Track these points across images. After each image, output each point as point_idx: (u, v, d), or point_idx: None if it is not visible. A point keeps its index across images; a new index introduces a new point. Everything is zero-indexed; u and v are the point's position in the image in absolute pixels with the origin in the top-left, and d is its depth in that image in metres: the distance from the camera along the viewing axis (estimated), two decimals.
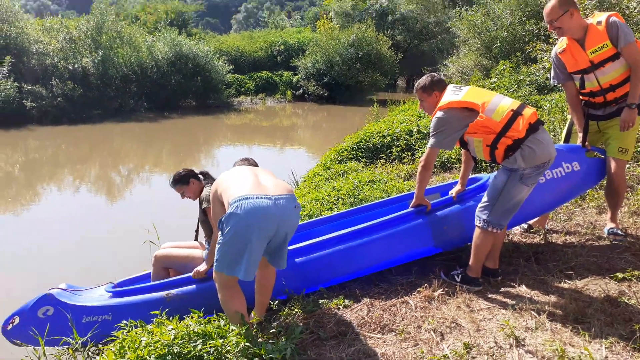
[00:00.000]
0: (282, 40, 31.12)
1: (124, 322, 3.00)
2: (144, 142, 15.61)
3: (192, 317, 2.74)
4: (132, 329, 2.84)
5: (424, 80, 3.18)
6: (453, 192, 3.48)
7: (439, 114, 2.98)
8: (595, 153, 3.52)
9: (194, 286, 3.22)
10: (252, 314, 2.88)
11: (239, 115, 21.77)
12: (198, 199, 3.68)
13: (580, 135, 3.53)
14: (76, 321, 3.22)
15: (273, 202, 2.54)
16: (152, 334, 2.58)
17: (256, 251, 2.52)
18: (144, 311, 3.08)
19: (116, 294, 3.39)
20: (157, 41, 22.30)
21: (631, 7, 8.12)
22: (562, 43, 3.45)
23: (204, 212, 3.55)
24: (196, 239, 3.94)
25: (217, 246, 2.59)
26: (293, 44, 30.68)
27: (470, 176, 3.70)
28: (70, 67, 18.53)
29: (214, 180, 3.76)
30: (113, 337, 2.83)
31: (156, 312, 2.92)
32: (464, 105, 2.91)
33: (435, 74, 3.22)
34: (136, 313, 3.10)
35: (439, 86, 3.11)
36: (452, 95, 2.99)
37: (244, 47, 30.20)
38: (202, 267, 3.23)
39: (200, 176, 3.75)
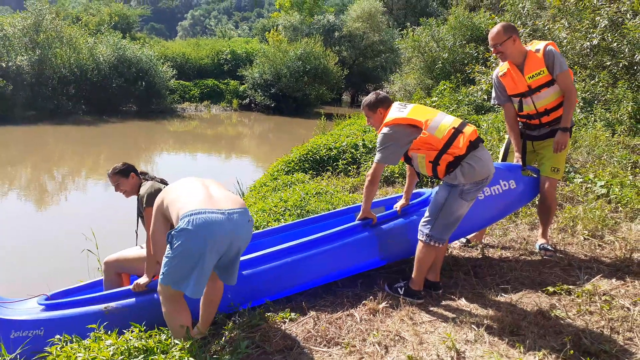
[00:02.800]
0: (230, 49, 30.92)
1: (58, 337, 2.84)
2: (81, 146, 14.96)
3: (132, 332, 2.64)
4: (66, 345, 2.70)
5: (369, 97, 3.27)
6: (397, 206, 3.57)
7: (384, 130, 3.06)
8: (529, 172, 3.74)
9: (134, 299, 3.10)
10: (196, 328, 2.82)
11: (182, 122, 21.34)
12: (137, 197, 3.51)
13: (517, 154, 3.74)
14: (3, 337, 3.01)
15: (226, 217, 2.48)
16: (89, 349, 2.48)
17: (207, 268, 2.45)
18: (80, 325, 2.92)
19: (49, 307, 3.20)
20: (99, 43, 21.54)
21: (561, 37, 8.70)
22: (503, 67, 3.65)
23: (142, 216, 3.41)
24: (137, 244, 3.76)
25: (164, 259, 2.50)
26: (240, 54, 30.56)
27: (414, 191, 3.81)
28: (4, 65, 17.53)
29: (152, 178, 3.61)
30: (45, 354, 2.68)
31: (93, 326, 2.80)
32: (408, 122, 3.00)
33: (381, 92, 3.32)
34: (71, 327, 2.94)
35: (383, 103, 3.21)
36: (397, 112, 3.08)
37: (190, 53, 29.78)
38: (143, 280, 3.11)
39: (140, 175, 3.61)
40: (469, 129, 2.96)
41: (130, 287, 3.12)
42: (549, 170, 3.61)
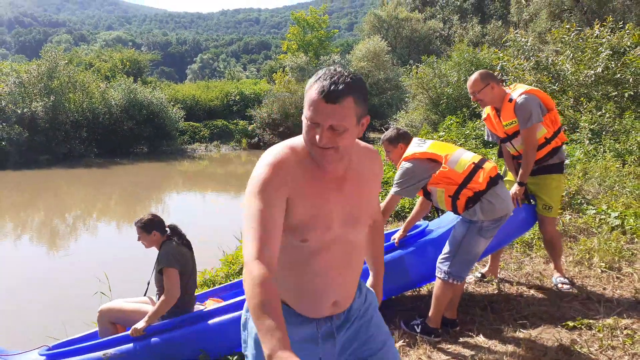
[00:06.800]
0: (239, 90, 31.54)
1: None
2: (93, 189, 15.12)
3: None
4: None
5: (390, 132, 3.29)
6: (395, 238, 3.51)
7: (404, 164, 3.09)
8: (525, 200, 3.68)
9: (132, 344, 3.06)
10: None
11: (192, 162, 21.57)
12: (158, 252, 3.48)
13: (515, 185, 3.67)
14: None
15: None
16: None
17: None
18: None
19: (50, 358, 3.18)
20: (111, 88, 22.11)
21: (565, 69, 8.81)
22: (486, 110, 3.72)
23: (159, 272, 3.36)
24: (145, 293, 3.70)
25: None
26: (249, 95, 31.13)
27: None
28: (19, 111, 17.99)
29: (180, 237, 3.54)
30: None
31: None
32: (428, 157, 3.03)
33: (401, 128, 3.35)
34: None
35: (404, 139, 3.23)
36: (416, 147, 3.11)
37: (200, 95, 30.38)
38: (141, 325, 3.10)
39: (167, 229, 3.54)
40: (489, 165, 2.98)
41: (129, 332, 3.10)
42: (540, 207, 3.58)
